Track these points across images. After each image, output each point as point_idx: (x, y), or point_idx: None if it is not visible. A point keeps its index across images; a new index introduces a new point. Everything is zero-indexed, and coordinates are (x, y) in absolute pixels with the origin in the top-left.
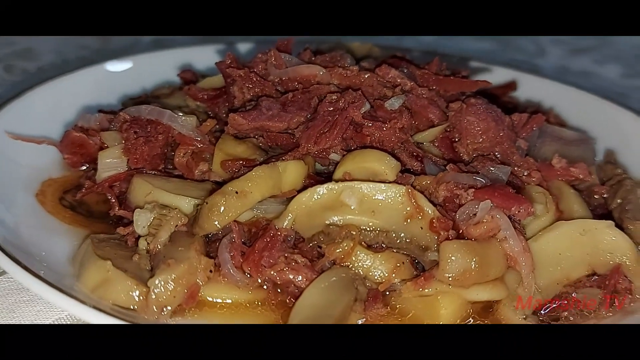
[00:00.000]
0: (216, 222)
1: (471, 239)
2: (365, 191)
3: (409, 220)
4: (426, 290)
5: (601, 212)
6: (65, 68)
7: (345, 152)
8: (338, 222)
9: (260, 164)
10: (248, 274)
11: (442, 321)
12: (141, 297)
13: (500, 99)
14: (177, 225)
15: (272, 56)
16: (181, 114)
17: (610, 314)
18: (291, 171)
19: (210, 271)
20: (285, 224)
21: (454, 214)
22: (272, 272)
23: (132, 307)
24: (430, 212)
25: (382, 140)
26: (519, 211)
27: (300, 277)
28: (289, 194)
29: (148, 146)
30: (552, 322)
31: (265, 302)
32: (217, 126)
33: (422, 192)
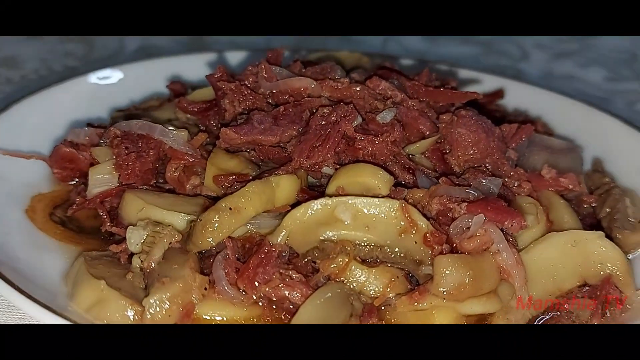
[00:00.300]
0: (210, 239)
1: (465, 253)
2: (359, 206)
3: (402, 234)
4: (421, 304)
5: (590, 222)
6: (50, 77)
7: (337, 166)
8: (332, 238)
9: (253, 178)
10: (243, 290)
11: None
12: (136, 317)
13: (487, 108)
14: (170, 243)
15: (262, 69)
16: (172, 128)
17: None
18: (284, 186)
19: (205, 288)
20: (280, 239)
21: (447, 227)
22: (267, 289)
23: None
24: (424, 226)
25: (374, 153)
26: (511, 225)
27: (295, 293)
28: (282, 209)
29: (139, 161)
30: None
31: (261, 319)
32: (208, 139)
33: (415, 206)
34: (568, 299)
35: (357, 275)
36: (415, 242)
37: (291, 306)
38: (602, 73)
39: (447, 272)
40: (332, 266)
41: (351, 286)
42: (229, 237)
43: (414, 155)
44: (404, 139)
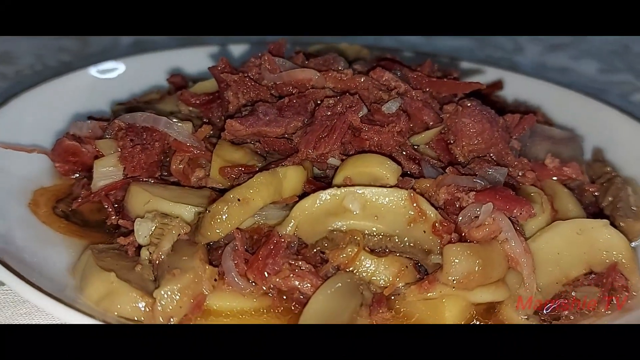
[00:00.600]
0: (219, 231)
1: (473, 242)
2: (368, 196)
3: (411, 224)
4: (431, 293)
5: (593, 210)
6: (45, 72)
7: (343, 157)
8: (342, 228)
9: (260, 170)
10: (252, 281)
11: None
12: (147, 308)
13: (488, 98)
14: (179, 235)
15: (265, 60)
16: (176, 121)
17: (609, 312)
18: (291, 177)
19: (215, 280)
20: (288, 230)
21: (455, 216)
22: (277, 279)
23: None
24: (432, 215)
25: (380, 144)
26: (520, 213)
27: (305, 283)
28: (289, 200)
29: (145, 154)
30: (554, 322)
31: (271, 309)
32: (212, 131)
33: (422, 196)
34: (574, 286)
35: (367, 265)
36: (424, 232)
37: (301, 296)
38: (595, 65)
39: (457, 261)
40: (341, 256)
41: (361, 276)
42: (238, 228)
43: (418, 145)
44: (409, 130)
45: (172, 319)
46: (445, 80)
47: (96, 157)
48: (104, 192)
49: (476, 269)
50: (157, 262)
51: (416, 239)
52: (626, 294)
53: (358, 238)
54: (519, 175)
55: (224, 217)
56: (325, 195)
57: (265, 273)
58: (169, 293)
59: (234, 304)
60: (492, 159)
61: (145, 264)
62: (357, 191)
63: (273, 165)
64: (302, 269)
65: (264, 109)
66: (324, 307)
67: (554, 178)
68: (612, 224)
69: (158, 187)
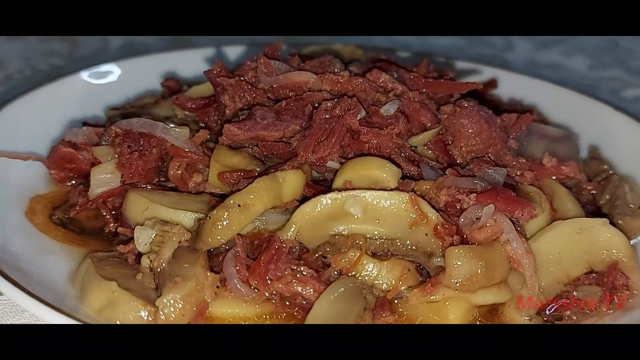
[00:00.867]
0: (220, 237)
1: (475, 244)
2: (369, 200)
3: (413, 227)
4: (434, 296)
5: (591, 209)
6: (36, 76)
7: (343, 160)
8: (343, 232)
9: (259, 174)
10: (255, 287)
11: None
12: (149, 317)
13: (483, 98)
14: (180, 242)
15: (261, 64)
16: (173, 126)
17: (611, 311)
18: (291, 181)
19: (217, 287)
20: (289, 235)
21: (456, 218)
22: (279, 285)
23: None
24: (434, 218)
25: (379, 146)
26: (522, 214)
27: (308, 288)
28: (289, 205)
29: (142, 160)
30: (556, 322)
31: (274, 315)
32: (208, 136)
33: (422, 198)
34: (576, 286)
35: (369, 269)
36: (426, 234)
37: (304, 302)
38: (585, 61)
39: (459, 263)
40: (344, 260)
41: (363, 280)
42: (238, 234)
43: (416, 147)
44: (407, 131)
45: None
46: (441, 80)
47: (93, 164)
48: (101, 200)
49: (479, 271)
50: (158, 270)
51: (418, 242)
52: (627, 292)
53: (360, 242)
54: (517, 175)
55: (224, 223)
56: (326, 199)
57: (268, 279)
58: (172, 301)
59: (236, 311)
60: (491, 159)
61: (146, 272)
62: (358, 195)
63: (272, 170)
64: (304, 274)
65: (261, 113)
66: (328, 312)
67: (552, 177)
68: (611, 222)
69: (156, 194)
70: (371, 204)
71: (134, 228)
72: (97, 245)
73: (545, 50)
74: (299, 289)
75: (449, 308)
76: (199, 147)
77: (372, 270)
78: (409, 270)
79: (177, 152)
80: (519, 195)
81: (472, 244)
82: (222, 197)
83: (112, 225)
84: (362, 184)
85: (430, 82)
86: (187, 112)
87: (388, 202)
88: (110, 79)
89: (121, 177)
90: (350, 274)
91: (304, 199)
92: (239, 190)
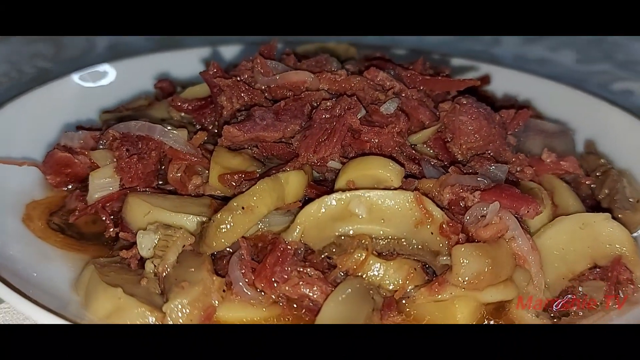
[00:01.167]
0: (224, 240)
1: (481, 241)
2: (374, 199)
3: (418, 226)
4: (441, 295)
5: (590, 204)
6: (23, 79)
7: (344, 160)
8: (349, 233)
9: (261, 176)
10: (261, 290)
11: None
12: (157, 323)
13: (476, 94)
14: (184, 246)
15: (258, 63)
16: (170, 128)
17: (616, 306)
18: (293, 182)
19: (223, 290)
20: (294, 236)
21: (460, 216)
22: (286, 287)
23: None
24: (439, 216)
25: (380, 145)
26: (527, 211)
27: (315, 290)
28: (292, 206)
29: (142, 164)
30: (563, 318)
31: (281, 318)
32: (206, 137)
33: (426, 196)
34: (580, 281)
35: (376, 269)
36: (432, 233)
37: (311, 304)
38: (572, 56)
39: (466, 261)
40: (350, 261)
41: (370, 280)
42: (242, 236)
43: (416, 145)
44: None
45: None
46: (439, 78)
47: (90, 169)
48: (100, 204)
49: (486, 269)
50: (164, 275)
51: (424, 241)
52: (631, 286)
53: (366, 242)
54: (517, 171)
55: (229, 226)
56: (330, 200)
57: (274, 281)
58: (179, 307)
59: (243, 314)
60: (491, 155)
61: (150, 277)
62: (363, 195)
63: (274, 171)
64: (311, 276)
65: (260, 114)
66: (337, 314)
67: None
68: (612, 217)
69: (157, 197)
70: (376, 203)
71: (136, 233)
72: (97, 250)
73: (532, 45)
74: (306, 290)
75: (457, 307)
76: (197, 149)
77: (378, 270)
78: (415, 269)
79: (176, 154)
80: (522, 192)
81: (477, 241)
82: (223, 200)
83: (112, 230)
84: (365, 184)
85: (427, 79)
86: (183, 114)
87: (393, 201)
88: (102, 80)
89: (120, 182)
90: (356, 275)
91: (305, 200)
92: (242, 192)
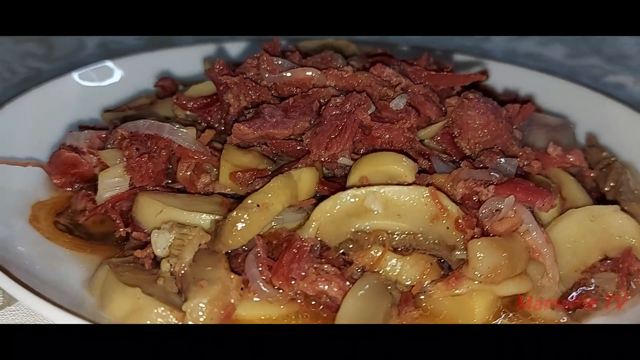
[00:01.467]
0: (240, 238)
1: (496, 235)
2: (389, 195)
3: (434, 221)
4: (458, 289)
5: (595, 196)
6: (15, 79)
7: (356, 156)
8: (366, 229)
9: (273, 173)
10: (278, 288)
11: (477, 319)
12: (177, 323)
13: (478, 89)
14: (200, 244)
15: (264, 60)
16: (178, 126)
17: (629, 297)
18: (306, 179)
19: (241, 288)
20: (310, 233)
21: (474, 211)
22: (304, 284)
23: None
24: (454, 211)
25: (391, 141)
26: (542, 204)
27: (333, 287)
28: (305, 203)
29: (152, 163)
30: (577, 310)
31: (299, 315)
32: (213, 135)
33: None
34: (592, 273)
35: (392, 265)
36: (447, 228)
37: (328, 300)
38: (562, 50)
39: (483, 255)
40: (367, 257)
41: (387, 276)
42: (257, 234)
43: (424, 140)
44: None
45: None
46: (444, 73)
47: (95, 168)
48: (110, 204)
49: (503, 262)
50: (180, 274)
51: (440, 236)
52: None
53: (383, 238)
54: (524, 165)
55: (245, 224)
56: (345, 196)
57: (291, 278)
58: (200, 305)
59: (261, 312)
60: (499, 150)
61: (167, 277)
62: (378, 191)
63: (286, 168)
64: (328, 272)
65: (269, 111)
66: (357, 310)
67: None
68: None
69: (168, 196)
70: (391, 199)
71: (151, 232)
72: (107, 250)
73: (522, 40)
74: (324, 287)
75: (475, 301)
76: (206, 148)
77: (395, 266)
78: (431, 264)
79: (185, 153)
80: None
81: (492, 235)
82: (233, 197)
83: (122, 230)
84: (378, 180)
85: (432, 74)
86: (188, 112)
87: (408, 197)
88: (101, 79)
89: (130, 181)
90: (373, 271)
91: (316, 196)
92: (255, 190)
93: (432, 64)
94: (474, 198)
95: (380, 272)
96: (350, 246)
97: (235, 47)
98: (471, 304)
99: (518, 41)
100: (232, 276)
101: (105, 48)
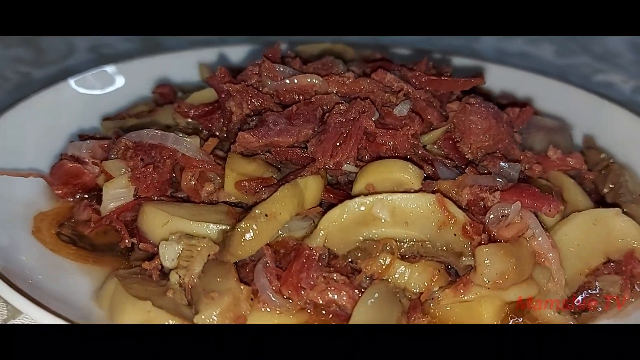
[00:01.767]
0: (249, 249)
1: (503, 241)
2: (397, 203)
3: (441, 228)
4: (466, 296)
5: (595, 198)
6: (6, 85)
7: (361, 163)
8: (374, 237)
9: (279, 181)
10: (288, 297)
11: None
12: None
13: (476, 93)
14: (208, 255)
15: (266, 68)
16: (182, 135)
17: (633, 300)
18: (312, 187)
19: (251, 299)
20: (318, 242)
21: (480, 217)
22: (313, 294)
23: None
24: (461, 217)
25: (395, 147)
26: (549, 210)
27: (342, 295)
28: (312, 212)
29: (157, 173)
30: (583, 313)
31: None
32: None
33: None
34: (596, 276)
35: (401, 272)
36: (455, 234)
37: (338, 309)
38: (551, 48)
39: (491, 261)
40: (376, 265)
41: (395, 283)
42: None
43: (426, 145)
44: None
45: None
46: (444, 78)
47: (97, 178)
48: (115, 215)
49: (510, 268)
50: (190, 285)
51: (448, 243)
52: None
53: (392, 246)
54: (525, 169)
55: (253, 234)
56: (353, 204)
57: (301, 288)
58: (213, 317)
59: (272, 322)
60: (501, 154)
61: (176, 289)
62: (385, 198)
63: (292, 177)
64: (337, 281)
65: (273, 119)
66: (368, 319)
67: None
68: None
69: (173, 206)
70: (399, 207)
71: (159, 243)
72: (112, 262)
73: (511, 39)
74: (334, 296)
75: (483, 307)
76: (210, 156)
77: (403, 273)
78: (439, 271)
79: (190, 162)
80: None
81: (499, 241)
82: (237, 206)
83: (127, 240)
84: (384, 187)
85: (433, 79)
86: (189, 120)
87: (415, 204)
88: (99, 84)
89: (134, 191)
90: (382, 279)
91: (322, 204)
92: (262, 199)
93: (432, 68)
94: (480, 204)
95: (389, 280)
96: (359, 254)
97: (232, 52)
98: (479, 310)
99: (507, 41)
100: (243, 287)
101: (96, 52)
